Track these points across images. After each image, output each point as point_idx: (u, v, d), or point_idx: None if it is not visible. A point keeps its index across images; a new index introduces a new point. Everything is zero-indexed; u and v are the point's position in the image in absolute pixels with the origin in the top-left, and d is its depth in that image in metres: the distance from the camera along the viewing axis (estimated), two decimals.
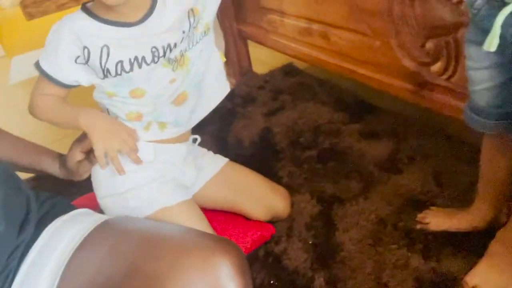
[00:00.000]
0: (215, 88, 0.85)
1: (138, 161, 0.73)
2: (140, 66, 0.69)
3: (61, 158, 0.79)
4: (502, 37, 0.52)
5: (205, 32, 0.77)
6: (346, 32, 1.02)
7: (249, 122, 1.33)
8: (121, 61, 0.68)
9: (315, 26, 1.12)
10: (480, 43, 0.55)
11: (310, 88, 1.45)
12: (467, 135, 0.97)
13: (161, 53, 0.70)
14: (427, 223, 0.83)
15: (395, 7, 0.84)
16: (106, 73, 0.69)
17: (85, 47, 0.67)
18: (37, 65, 0.70)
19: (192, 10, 0.73)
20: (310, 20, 1.13)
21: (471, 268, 0.72)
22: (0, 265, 0.53)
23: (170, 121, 0.78)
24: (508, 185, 0.74)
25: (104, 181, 0.77)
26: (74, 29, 0.67)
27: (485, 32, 0.54)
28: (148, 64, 0.70)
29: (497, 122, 0.65)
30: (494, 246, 0.71)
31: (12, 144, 0.77)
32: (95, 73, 0.70)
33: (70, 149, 0.77)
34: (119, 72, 0.69)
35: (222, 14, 1.48)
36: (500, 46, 0.52)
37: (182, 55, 0.74)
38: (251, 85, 1.54)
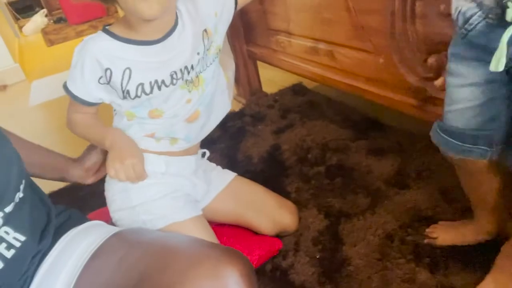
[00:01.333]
0: (221, 105, 0.89)
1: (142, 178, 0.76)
2: (159, 88, 0.73)
3: (74, 162, 0.85)
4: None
5: (217, 54, 0.81)
6: (351, 50, 1.05)
7: (258, 139, 1.36)
8: (142, 84, 0.72)
9: (321, 46, 1.15)
10: (471, 58, 0.56)
11: (318, 107, 1.48)
12: None
13: (179, 76, 0.74)
14: (435, 238, 0.83)
15: (397, 24, 0.87)
16: (126, 94, 0.72)
17: (107, 69, 0.70)
18: (65, 87, 0.74)
19: (205, 31, 0.77)
20: (316, 39, 1.17)
21: (478, 283, 0.71)
22: (21, 270, 0.57)
23: (181, 137, 0.81)
24: (501, 199, 0.73)
25: (116, 195, 0.80)
26: (96, 51, 0.70)
27: (479, 48, 0.55)
28: (167, 86, 0.73)
29: (473, 146, 0.63)
30: (500, 260, 0.70)
31: (42, 156, 0.83)
32: (116, 93, 0.73)
33: (88, 150, 0.84)
34: (139, 95, 0.72)
35: (232, 36, 1.53)
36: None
37: (197, 76, 0.77)
38: (260, 104, 1.57)
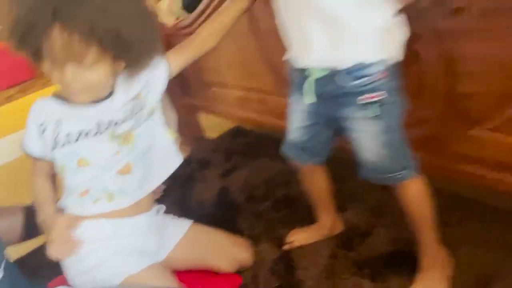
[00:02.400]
0: (165, 161, 0.94)
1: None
2: (86, 137, 0.81)
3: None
4: (312, 93, 0.78)
5: (150, 114, 0.89)
6: (278, 97, 1.20)
7: (207, 184, 1.44)
8: (70, 133, 0.81)
9: (252, 94, 1.30)
10: (296, 93, 0.82)
11: (259, 146, 1.60)
12: None
13: (105, 128, 0.82)
14: (292, 241, 1.04)
15: None
16: (55, 144, 0.81)
17: (43, 122, 0.81)
18: (21, 146, 0.85)
19: (138, 96, 0.86)
20: (247, 89, 1.31)
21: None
22: None
23: (115, 191, 0.85)
24: (330, 197, 1.03)
25: (69, 262, 0.83)
26: (37, 107, 0.83)
27: (299, 89, 0.81)
28: (93, 136, 0.81)
29: (303, 154, 0.91)
30: (424, 262, 0.85)
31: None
32: (47, 145, 0.82)
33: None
34: (66, 143, 0.81)
35: (171, 89, 1.63)
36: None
37: (128, 133, 0.85)
38: (204, 150, 1.67)
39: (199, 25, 1.27)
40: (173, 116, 1.67)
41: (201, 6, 1.22)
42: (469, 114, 0.77)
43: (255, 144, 1.62)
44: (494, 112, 0.73)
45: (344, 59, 0.72)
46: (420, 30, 0.76)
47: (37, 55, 0.72)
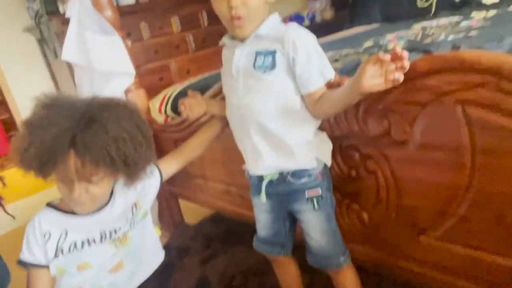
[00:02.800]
0: (152, 256, 1.05)
1: None
2: (89, 245, 0.89)
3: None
4: (267, 194, 0.95)
5: (143, 216, 1.01)
6: None
7: (186, 273, 1.50)
8: (75, 242, 0.87)
9: (232, 189, 1.43)
10: (256, 196, 0.99)
11: (238, 233, 1.70)
12: None
13: (108, 236, 0.92)
14: None
15: None
16: (58, 252, 0.87)
17: (47, 232, 0.87)
18: (19, 261, 0.87)
19: (135, 203, 0.97)
20: (228, 184, 1.44)
21: None
22: None
23: (106, 285, 0.93)
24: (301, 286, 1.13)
25: None
26: (41, 219, 0.88)
27: (257, 191, 0.96)
28: (96, 244, 0.90)
29: (272, 247, 1.04)
30: None
31: None
32: (49, 254, 0.87)
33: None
34: (71, 251, 0.87)
35: None
36: (267, 199, 0.96)
37: (124, 235, 0.95)
38: (184, 237, 1.74)
39: (187, 126, 1.43)
40: (155, 204, 1.76)
41: None
42: (416, 223, 0.92)
43: (234, 231, 1.72)
44: (436, 223, 0.89)
45: (289, 166, 0.91)
46: (374, 153, 0.94)
47: (47, 174, 0.79)
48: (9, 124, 3.52)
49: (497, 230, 0.79)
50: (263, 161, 0.92)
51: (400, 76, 0.70)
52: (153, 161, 0.94)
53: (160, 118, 1.58)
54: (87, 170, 0.79)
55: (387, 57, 0.69)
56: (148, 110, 1.64)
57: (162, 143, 1.60)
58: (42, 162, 0.76)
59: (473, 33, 1.26)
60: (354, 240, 1.05)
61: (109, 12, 1.52)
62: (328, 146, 0.94)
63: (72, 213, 0.89)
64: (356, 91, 0.75)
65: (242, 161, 1.30)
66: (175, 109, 1.49)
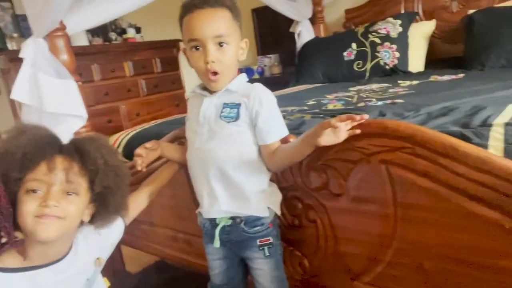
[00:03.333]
0: None
1: None
2: None
3: None
4: (220, 241, 0.99)
5: (100, 264, 0.99)
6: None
7: None
8: None
9: (180, 235, 1.44)
10: (209, 243, 1.03)
11: (183, 282, 1.68)
12: None
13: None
14: None
15: None
16: None
17: None
18: None
19: (98, 259, 0.96)
20: (175, 230, 1.46)
21: None
22: None
23: None
24: None
25: None
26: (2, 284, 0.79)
27: (211, 238, 1.00)
28: None
29: None
30: None
31: None
32: None
33: None
34: None
35: None
36: (220, 246, 0.99)
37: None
38: (126, 286, 1.68)
39: (138, 170, 1.45)
40: None
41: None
42: (351, 269, 1.02)
43: (179, 279, 1.69)
44: (368, 269, 0.98)
45: (242, 211, 0.96)
46: (315, 204, 1.04)
47: (24, 171, 0.79)
48: None
49: (417, 277, 0.91)
50: (219, 204, 0.97)
51: (356, 131, 0.86)
52: (125, 201, 0.98)
53: None
54: (70, 176, 0.82)
55: (340, 125, 0.82)
56: None
57: None
58: (26, 157, 0.78)
59: (398, 100, 1.46)
60: (296, 286, 1.11)
61: (65, 56, 1.55)
62: (278, 196, 1.02)
63: (23, 269, 0.82)
64: (311, 145, 0.88)
65: (191, 207, 1.34)
66: (126, 154, 1.51)
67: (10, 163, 0.79)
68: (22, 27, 2.97)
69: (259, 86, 0.96)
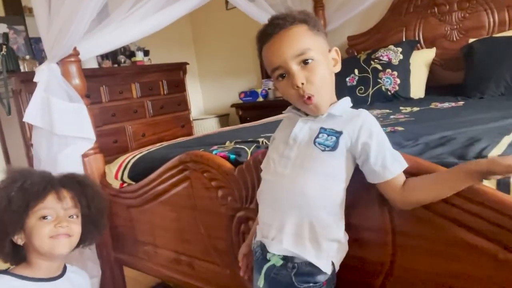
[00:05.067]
0: None
1: None
2: None
3: None
4: (265, 277, 0.85)
5: None
6: (206, 263, 1.38)
7: None
8: None
9: (183, 257, 1.46)
10: (257, 275, 0.89)
11: None
12: None
13: None
14: None
15: (235, 248, 1.25)
16: None
17: None
18: None
19: None
20: (178, 252, 1.48)
21: None
22: None
23: None
24: None
25: None
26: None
27: (258, 268, 0.88)
28: None
29: None
30: None
31: None
32: None
33: None
34: None
35: (100, 244, 1.72)
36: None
37: None
38: None
39: (143, 193, 1.49)
40: (98, 269, 1.71)
41: (146, 180, 1.46)
42: None
43: None
44: None
45: (303, 255, 0.81)
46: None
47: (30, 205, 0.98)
48: None
49: None
50: (281, 241, 0.83)
51: None
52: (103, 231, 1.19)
53: (115, 183, 1.62)
54: (72, 203, 1.05)
55: None
56: (104, 175, 1.67)
57: (115, 208, 1.62)
58: (39, 190, 0.98)
59: (398, 127, 1.49)
60: None
61: (77, 81, 1.61)
62: (345, 252, 0.88)
63: (30, 279, 0.97)
64: (476, 178, 0.76)
65: (194, 230, 1.37)
66: (132, 176, 1.54)
67: (30, 195, 0.99)
68: (35, 49, 3.07)
69: (367, 113, 0.84)
